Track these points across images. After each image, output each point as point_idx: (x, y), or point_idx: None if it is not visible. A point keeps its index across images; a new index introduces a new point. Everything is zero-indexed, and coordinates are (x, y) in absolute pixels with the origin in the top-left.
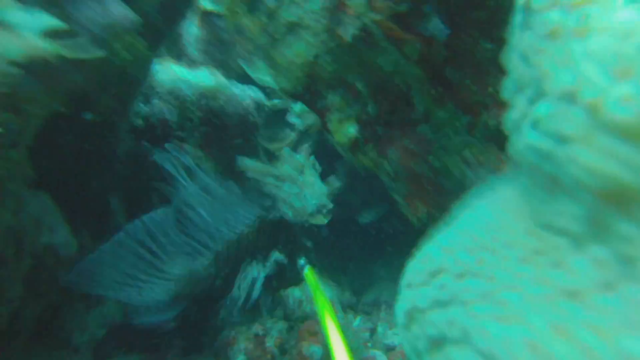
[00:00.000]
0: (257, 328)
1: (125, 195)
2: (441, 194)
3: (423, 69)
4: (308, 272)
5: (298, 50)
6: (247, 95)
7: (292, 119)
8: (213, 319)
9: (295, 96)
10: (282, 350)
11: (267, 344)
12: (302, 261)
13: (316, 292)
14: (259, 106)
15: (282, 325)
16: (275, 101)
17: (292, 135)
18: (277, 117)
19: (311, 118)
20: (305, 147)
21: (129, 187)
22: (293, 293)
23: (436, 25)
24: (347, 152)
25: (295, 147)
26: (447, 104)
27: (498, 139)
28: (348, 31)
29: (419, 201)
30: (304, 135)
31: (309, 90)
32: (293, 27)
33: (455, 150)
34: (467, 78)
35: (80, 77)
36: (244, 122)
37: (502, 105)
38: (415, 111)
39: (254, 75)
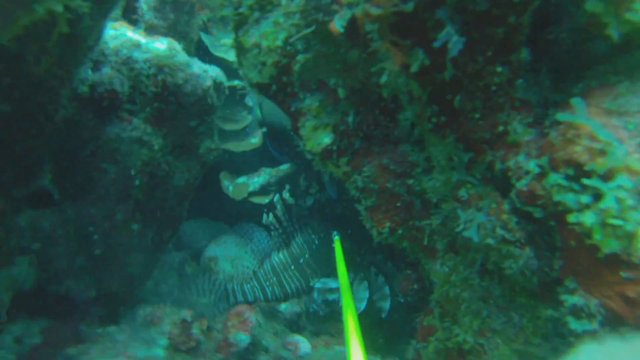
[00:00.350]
0: (186, 314)
1: (57, 164)
2: (412, 214)
3: (422, 86)
4: (337, 240)
5: (266, 32)
6: (208, 76)
7: (250, 101)
8: (136, 291)
9: (267, 93)
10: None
11: (193, 331)
12: (334, 233)
13: (339, 258)
14: (219, 88)
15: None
16: (236, 82)
17: (248, 119)
18: (235, 97)
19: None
20: (260, 133)
21: (63, 157)
22: None
23: (449, 35)
24: (316, 160)
25: (250, 131)
26: (449, 137)
27: (501, 185)
28: (333, 21)
29: (384, 216)
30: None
31: (283, 89)
32: (260, 3)
33: (448, 185)
34: (476, 111)
35: (6, 38)
36: (202, 103)
37: (510, 147)
38: (399, 128)
39: (215, 53)
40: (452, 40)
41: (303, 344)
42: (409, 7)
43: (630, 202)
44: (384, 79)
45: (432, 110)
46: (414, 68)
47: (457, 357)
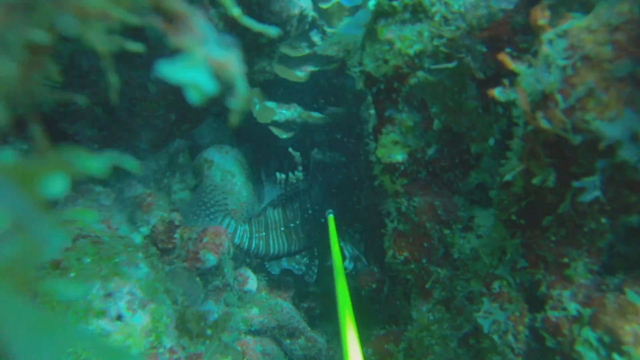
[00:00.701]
0: (176, 216)
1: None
2: (430, 255)
3: (527, 192)
4: (330, 218)
5: (406, 36)
6: (298, 3)
7: (316, 37)
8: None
9: (371, 86)
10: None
11: (176, 235)
12: (329, 210)
13: (332, 233)
14: (301, 19)
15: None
16: (330, 28)
17: (305, 51)
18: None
19: (332, 50)
20: (306, 69)
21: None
22: None
23: (593, 185)
24: (377, 167)
25: (301, 64)
26: (517, 239)
27: (531, 299)
28: (493, 90)
29: (407, 246)
30: (317, 58)
31: (389, 91)
32: (416, 8)
33: (483, 267)
34: (556, 235)
35: None
36: (281, 27)
37: (563, 279)
38: (465, 183)
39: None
40: (591, 191)
41: (251, 280)
42: (577, 139)
43: None
44: (508, 176)
45: (518, 209)
46: (536, 181)
47: None
